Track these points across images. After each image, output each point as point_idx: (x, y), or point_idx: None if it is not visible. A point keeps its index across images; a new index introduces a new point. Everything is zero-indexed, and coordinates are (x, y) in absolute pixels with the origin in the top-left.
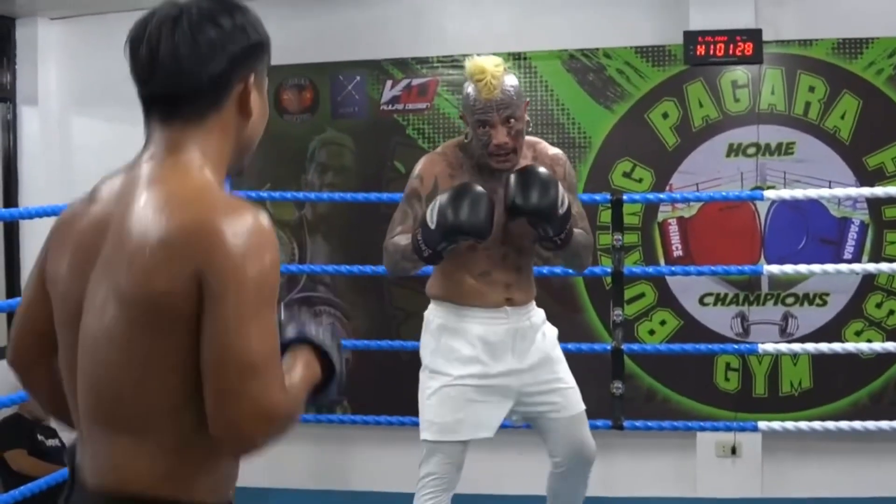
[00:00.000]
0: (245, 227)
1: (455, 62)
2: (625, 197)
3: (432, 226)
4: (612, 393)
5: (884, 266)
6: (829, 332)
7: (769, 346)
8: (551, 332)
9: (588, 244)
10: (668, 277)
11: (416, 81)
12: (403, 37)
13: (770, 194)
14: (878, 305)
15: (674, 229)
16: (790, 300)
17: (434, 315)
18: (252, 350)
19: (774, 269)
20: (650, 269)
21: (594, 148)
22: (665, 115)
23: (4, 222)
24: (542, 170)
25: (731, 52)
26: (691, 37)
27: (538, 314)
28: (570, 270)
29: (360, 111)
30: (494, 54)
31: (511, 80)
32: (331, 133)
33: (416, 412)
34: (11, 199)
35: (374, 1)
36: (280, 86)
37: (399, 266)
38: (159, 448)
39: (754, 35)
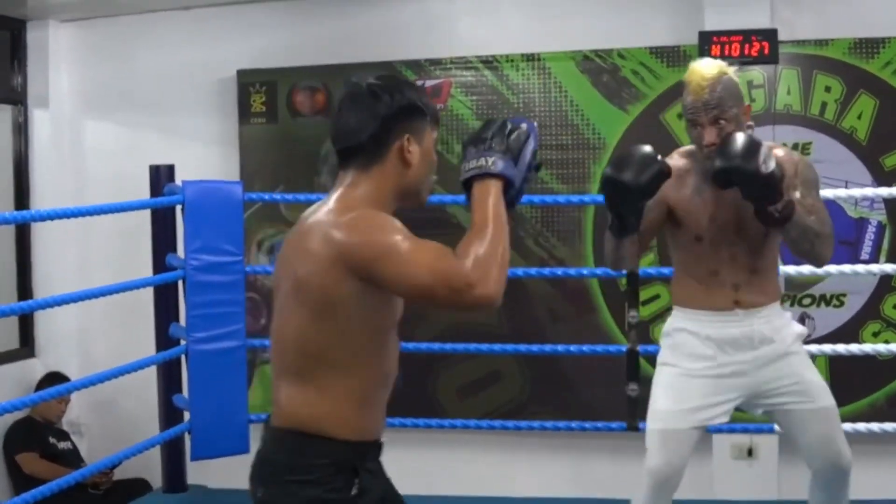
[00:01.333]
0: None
1: (468, 63)
2: None
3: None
4: (627, 395)
5: None
6: (847, 333)
7: None
8: (793, 333)
9: (821, 232)
10: None
11: (429, 83)
12: (416, 38)
13: None
14: None
15: None
16: (807, 301)
17: (672, 319)
18: (421, 274)
19: (791, 269)
20: (665, 270)
21: (609, 149)
22: (680, 116)
23: (17, 225)
24: (741, 134)
25: (746, 52)
26: (706, 37)
27: (780, 317)
28: (807, 263)
29: None
30: (507, 56)
31: (726, 83)
32: None
33: (429, 413)
34: (23, 202)
35: (387, 3)
36: (293, 88)
37: (609, 255)
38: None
39: (770, 35)
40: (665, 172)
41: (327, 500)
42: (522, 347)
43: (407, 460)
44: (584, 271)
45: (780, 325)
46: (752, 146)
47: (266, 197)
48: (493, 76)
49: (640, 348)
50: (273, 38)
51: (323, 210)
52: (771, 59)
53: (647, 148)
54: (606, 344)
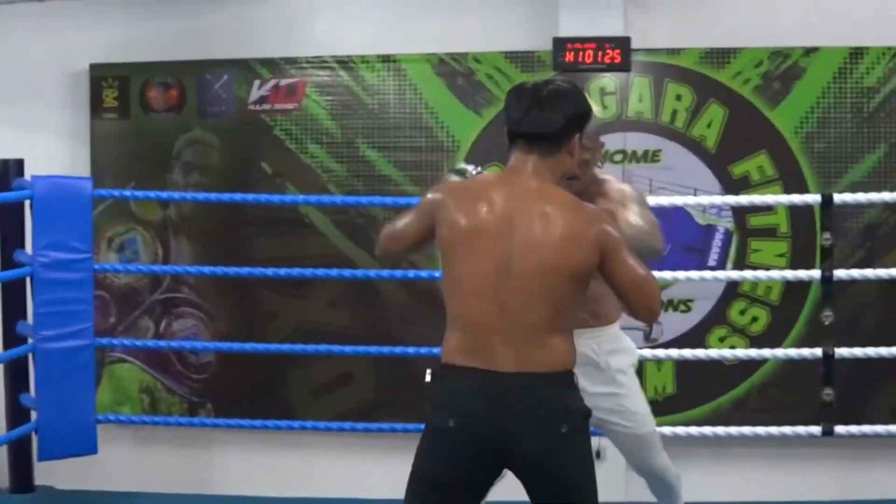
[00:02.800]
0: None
1: (324, 63)
2: None
3: None
4: None
5: (747, 273)
6: (693, 338)
7: None
8: (623, 360)
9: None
10: None
11: (284, 82)
12: (273, 36)
13: None
14: (742, 312)
15: None
16: None
17: None
18: (641, 272)
19: None
20: None
21: (462, 152)
22: None
23: None
24: None
25: (599, 59)
26: (560, 43)
27: (610, 342)
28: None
29: (227, 110)
30: (363, 57)
31: None
32: (197, 132)
33: (280, 414)
34: None
35: (244, 0)
36: (146, 83)
37: None
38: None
39: (623, 43)
40: None
41: (588, 413)
42: (374, 349)
43: (258, 461)
44: (437, 273)
45: (609, 349)
46: None
47: (116, 193)
48: (349, 77)
49: None
50: (127, 32)
51: (542, 192)
52: (623, 66)
53: None
54: None
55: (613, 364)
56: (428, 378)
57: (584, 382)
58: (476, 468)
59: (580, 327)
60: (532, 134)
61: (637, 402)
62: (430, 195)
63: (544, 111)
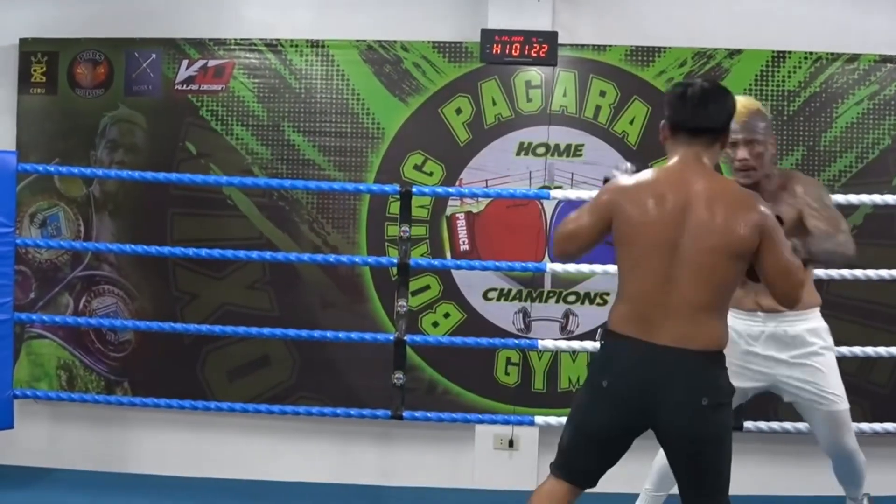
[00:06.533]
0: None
1: (253, 46)
2: (414, 189)
3: None
4: (393, 383)
5: None
6: None
7: (549, 343)
8: (818, 341)
9: (838, 245)
10: (453, 271)
11: (212, 63)
12: (202, 17)
13: (556, 194)
14: None
15: (461, 224)
16: (572, 298)
17: None
18: (790, 261)
19: (558, 267)
20: (436, 262)
21: (387, 139)
22: (458, 111)
23: None
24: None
25: (526, 52)
26: (489, 35)
27: (806, 322)
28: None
29: (153, 89)
30: (292, 41)
31: (762, 116)
32: (123, 110)
33: (197, 395)
34: None
35: None
36: (74, 60)
37: None
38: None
39: (550, 37)
40: None
41: (731, 391)
42: (292, 332)
43: (174, 442)
44: (357, 259)
45: (802, 329)
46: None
47: (41, 169)
48: (277, 60)
49: (407, 338)
50: (58, 8)
51: (709, 179)
52: (549, 60)
53: None
54: (376, 332)
55: (812, 344)
56: (597, 340)
57: (783, 355)
58: (620, 425)
59: (789, 310)
60: (699, 128)
61: (833, 381)
62: (602, 196)
63: (709, 107)
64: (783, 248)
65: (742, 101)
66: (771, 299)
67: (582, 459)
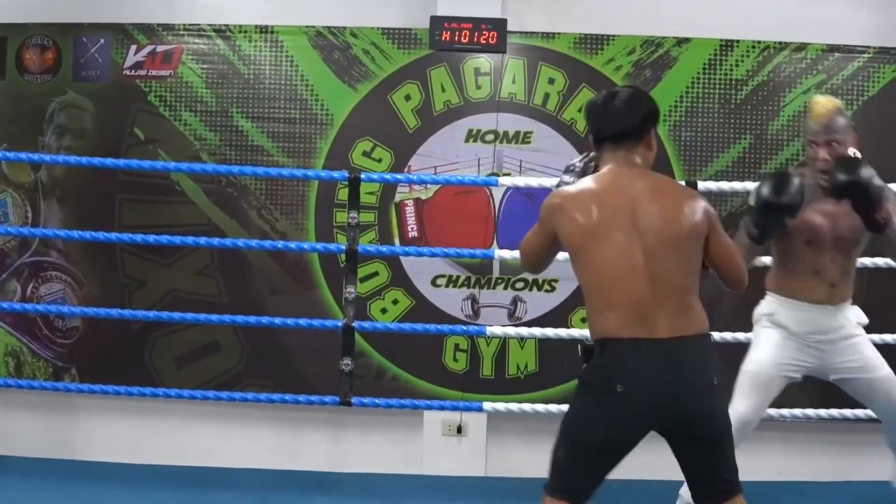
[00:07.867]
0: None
1: (201, 31)
2: (363, 176)
3: (752, 203)
4: (341, 369)
5: None
6: (556, 317)
7: (497, 329)
8: (859, 323)
9: None
10: (402, 257)
11: (160, 48)
12: (150, 2)
13: (505, 181)
14: None
15: (410, 210)
16: (520, 285)
17: (767, 304)
18: (732, 244)
19: (506, 253)
20: (385, 249)
21: (336, 125)
22: (408, 98)
23: None
24: (857, 153)
25: (475, 39)
26: (438, 22)
27: (853, 310)
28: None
29: (102, 75)
30: (241, 26)
31: (842, 114)
32: (71, 95)
33: (145, 382)
34: None
35: None
36: (22, 44)
37: (747, 255)
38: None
39: (499, 25)
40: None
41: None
42: (241, 318)
43: (122, 429)
44: (306, 245)
45: (852, 316)
46: (866, 166)
47: None
48: (226, 46)
49: (356, 324)
50: None
51: (646, 177)
52: (499, 48)
53: (797, 179)
54: (324, 319)
55: (854, 327)
56: (583, 356)
57: (835, 339)
58: (636, 427)
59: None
60: (617, 134)
61: (869, 351)
62: (545, 213)
63: (622, 114)
64: (724, 233)
65: (822, 101)
66: (843, 292)
67: (583, 475)
